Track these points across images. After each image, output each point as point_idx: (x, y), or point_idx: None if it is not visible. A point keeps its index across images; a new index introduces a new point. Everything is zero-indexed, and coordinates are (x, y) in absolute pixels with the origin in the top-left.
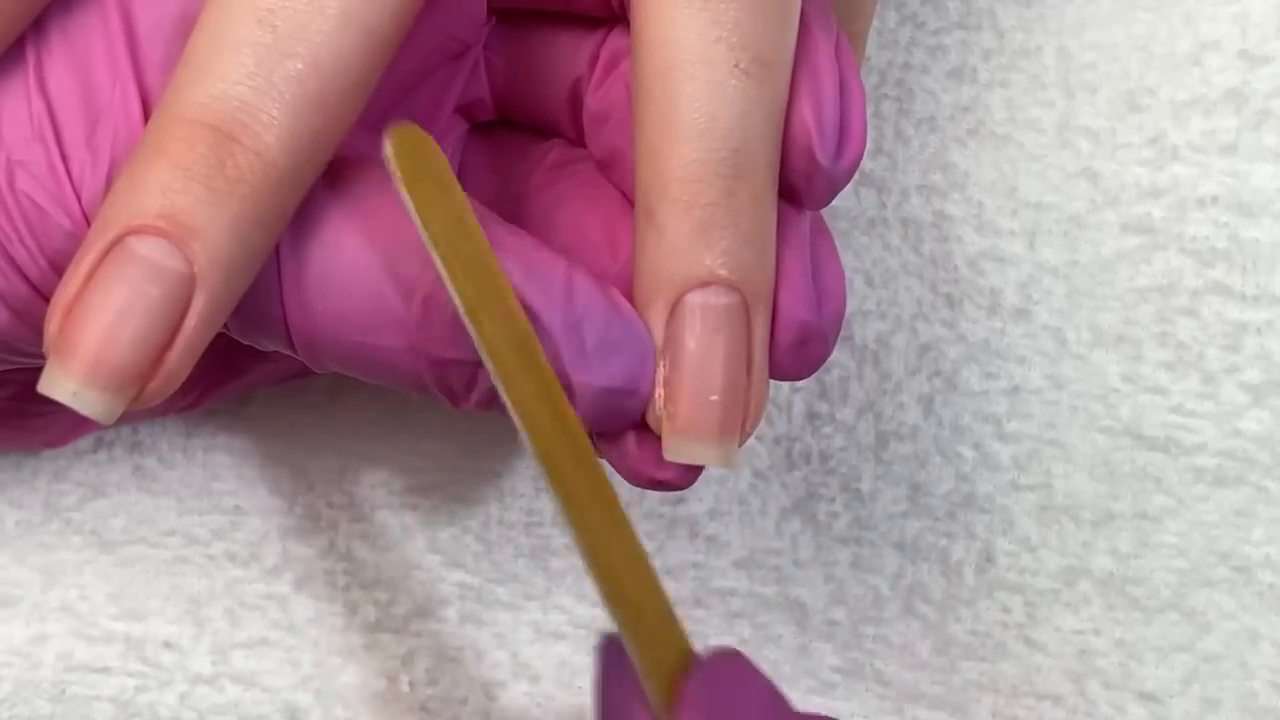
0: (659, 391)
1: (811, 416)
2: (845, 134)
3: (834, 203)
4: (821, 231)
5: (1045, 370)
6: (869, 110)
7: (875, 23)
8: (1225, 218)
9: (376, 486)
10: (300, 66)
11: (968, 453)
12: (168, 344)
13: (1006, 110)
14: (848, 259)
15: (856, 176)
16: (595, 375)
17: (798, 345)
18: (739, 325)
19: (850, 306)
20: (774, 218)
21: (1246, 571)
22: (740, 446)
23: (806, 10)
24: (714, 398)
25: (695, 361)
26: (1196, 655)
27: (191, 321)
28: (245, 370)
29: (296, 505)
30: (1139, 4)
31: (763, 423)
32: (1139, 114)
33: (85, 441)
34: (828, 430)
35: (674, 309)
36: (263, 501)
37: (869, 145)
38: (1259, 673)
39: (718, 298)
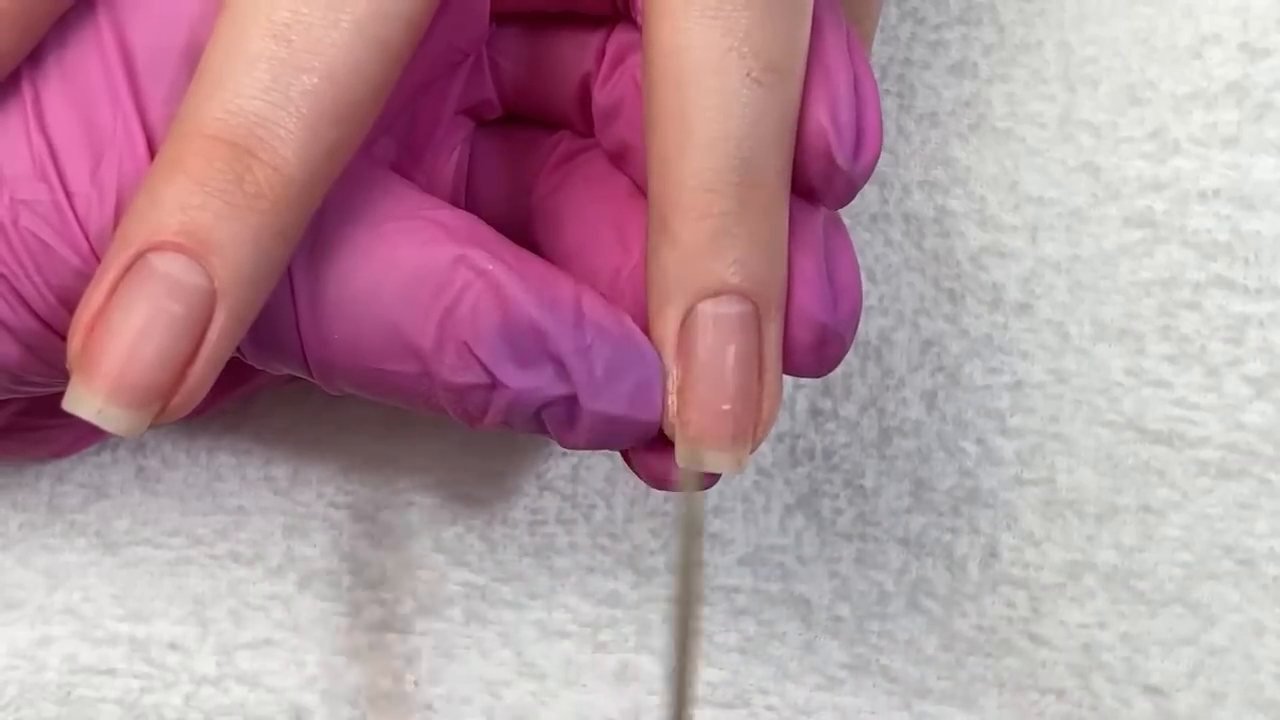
0: (671, 399)
1: (815, 413)
2: (862, 133)
3: None
4: (837, 229)
5: (1048, 365)
6: None
7: None
8: (1227, 211)
9: (380, 486)
10: (316, 80)
11: (971, 448)
12: (190, 359)
13: (1008, 105)
14: None
15: None
16: (604, 403)
17: (817, 346)
18: (751, 334)
19: None
20: (785, 223)
21: (1251, 564)
22: (752, 452)
23: (818, 10)
24: (726, 407)
25: (707, 371)
26: (1202, 648)
27: (213, 336)
28: (252, 375)
29: (300, 505)
30: None
31: None
32: (1140, 108)
33: None
34: (831, 427)
35: (686, 318)
36: (266, 501)
37: None
38: (1264, 665)
39: (730, 307)
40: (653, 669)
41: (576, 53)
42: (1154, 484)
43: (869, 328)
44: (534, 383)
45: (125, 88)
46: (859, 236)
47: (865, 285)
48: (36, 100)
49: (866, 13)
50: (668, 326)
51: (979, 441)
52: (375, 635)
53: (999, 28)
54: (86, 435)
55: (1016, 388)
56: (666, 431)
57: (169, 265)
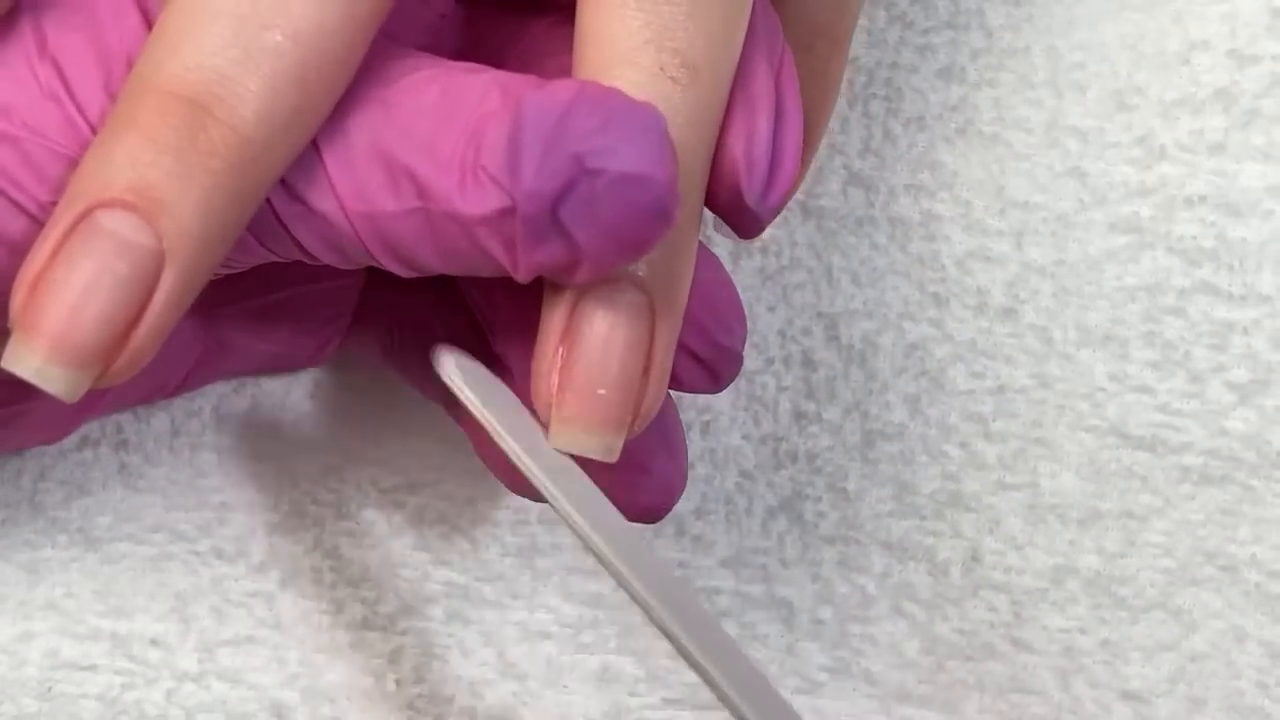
0: (553, 378)
1: (798, 416)
2: (775, 172)
3: (821, 202)
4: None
5: (1032, 369)
6: (857, 109)
7: (864, 22)
8: (1213, 217)
9: (363, 484)
10: (279, 39)
11: (954, 452)
12: (135, 321)
13: (995, 109)
14: (835, 258)
15: (844, 175)
16: (608, 161)
17: (713, 363)
18: (641, 324)
19: (837, 306)
20: (694, 225)
21: (1233, 570)
22: (626, 441)
23: (753, 35)
24: (602, 392)
25: (590, 354)
26: (1182, 654)
27: (159, 298)
28: (228, 353)
29: (283, 502)
30: (1128, 3)
31: (749, 422)
32: (1127, 113)
33: (70, 440)
34: (814, 430)
35: (579, 300)
36: (249, 498)
37: (857, 144)
38: (1245, 672)
39: (621, 294)
40: (634, 670)
41: None
42: (1136, 489)
43: (853, 331)
44: (549, 176)
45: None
46: (844, 239)
47: (850, 289)
48: (38, 31)
49: (846, 12)
50: (560, 306)
51: (962, 446)
52: (357, 633)
53: (987, 32)
54: (69, 418)
55: (1000, 392)
56: (540, 412)
57: (117, 223)
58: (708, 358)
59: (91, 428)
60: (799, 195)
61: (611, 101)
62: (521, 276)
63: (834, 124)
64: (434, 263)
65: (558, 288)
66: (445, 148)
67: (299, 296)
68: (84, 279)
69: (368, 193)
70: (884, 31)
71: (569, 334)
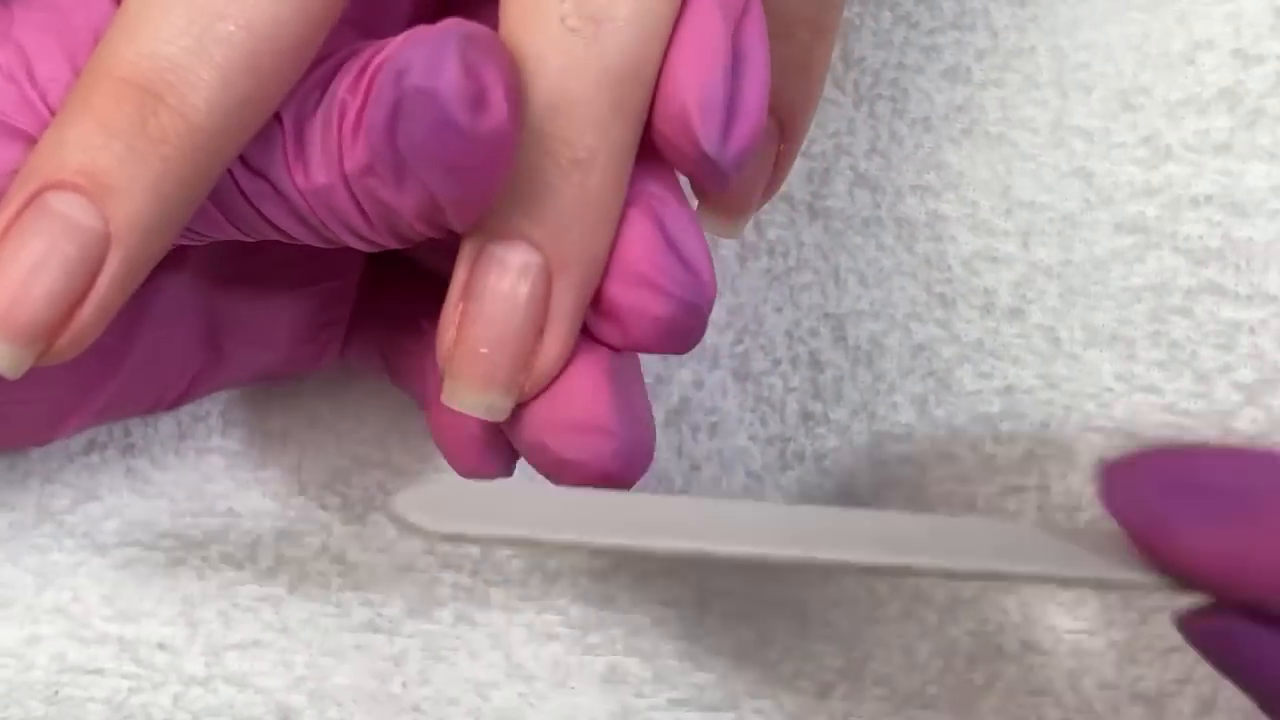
0: (451, 333)
1: (805, 417)
2: (735, 116)
3: (828, 203)
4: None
5: (1039, 370)
6: (863, 110)
7: (869, 22)
8: (1219, 217)
9: (370, 488)
10: (232, 28)
11: (962, 453)
12: (80, 301)
13: (1000, 110)
14: (842, 259)
15: (851, 176)
16: (405, 79)
17: (669, 319)
18: (531, 283)
19: (844, 306)
20: (609, 185)
21: None
22: (515, 404)
23: None
24: (484, 350)
25: (478, 311)
26: (1191, 655)
27: (104, 280)
28: (227, 363)
29: (290, 507)
30: (1133, 3)
31: (756, 423)
32: (1133, 113)
33: (77, 444)
34: (822, 431)
35: (477, 255)
36: (256, 503)
37: (863, 145)
38: None
39: (513, 252)
40: (641, 671)
41: None
42: None
43: (860, 331)
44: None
45: None
46: (851, 240)
47: (857, 289)
48: (7, 13)
49: (830, 3)
50: (464, 262)
51: (970, 446)
52: (363, 636)
53: (992, 33)
54: (61, 419)
55: (1007, 393)
56: (440, 365)
57: (65, 205)
58: (660, 312)
59: (99, 431)
60: (805, 196)
61: (426, 29)
62: (424, 230)
63: (840, 125)
64: (369, 232)
65: (465, 245)
66: (352, 109)
67: (293, 302)
68: (32, 258)
69: (311, 168)
70: (889, 32)
71: (467, 290)
